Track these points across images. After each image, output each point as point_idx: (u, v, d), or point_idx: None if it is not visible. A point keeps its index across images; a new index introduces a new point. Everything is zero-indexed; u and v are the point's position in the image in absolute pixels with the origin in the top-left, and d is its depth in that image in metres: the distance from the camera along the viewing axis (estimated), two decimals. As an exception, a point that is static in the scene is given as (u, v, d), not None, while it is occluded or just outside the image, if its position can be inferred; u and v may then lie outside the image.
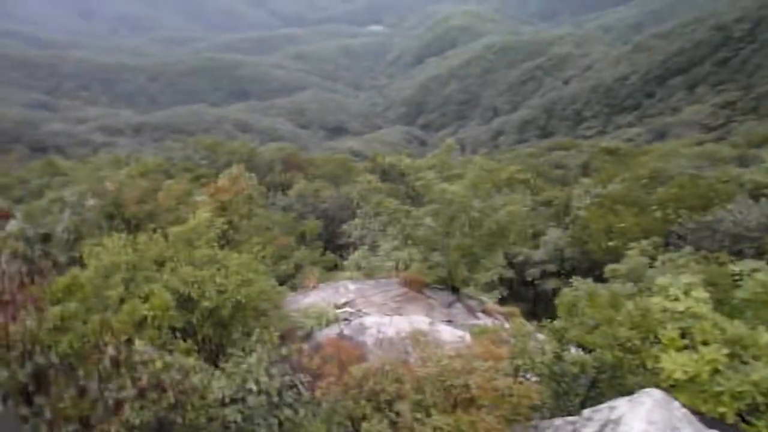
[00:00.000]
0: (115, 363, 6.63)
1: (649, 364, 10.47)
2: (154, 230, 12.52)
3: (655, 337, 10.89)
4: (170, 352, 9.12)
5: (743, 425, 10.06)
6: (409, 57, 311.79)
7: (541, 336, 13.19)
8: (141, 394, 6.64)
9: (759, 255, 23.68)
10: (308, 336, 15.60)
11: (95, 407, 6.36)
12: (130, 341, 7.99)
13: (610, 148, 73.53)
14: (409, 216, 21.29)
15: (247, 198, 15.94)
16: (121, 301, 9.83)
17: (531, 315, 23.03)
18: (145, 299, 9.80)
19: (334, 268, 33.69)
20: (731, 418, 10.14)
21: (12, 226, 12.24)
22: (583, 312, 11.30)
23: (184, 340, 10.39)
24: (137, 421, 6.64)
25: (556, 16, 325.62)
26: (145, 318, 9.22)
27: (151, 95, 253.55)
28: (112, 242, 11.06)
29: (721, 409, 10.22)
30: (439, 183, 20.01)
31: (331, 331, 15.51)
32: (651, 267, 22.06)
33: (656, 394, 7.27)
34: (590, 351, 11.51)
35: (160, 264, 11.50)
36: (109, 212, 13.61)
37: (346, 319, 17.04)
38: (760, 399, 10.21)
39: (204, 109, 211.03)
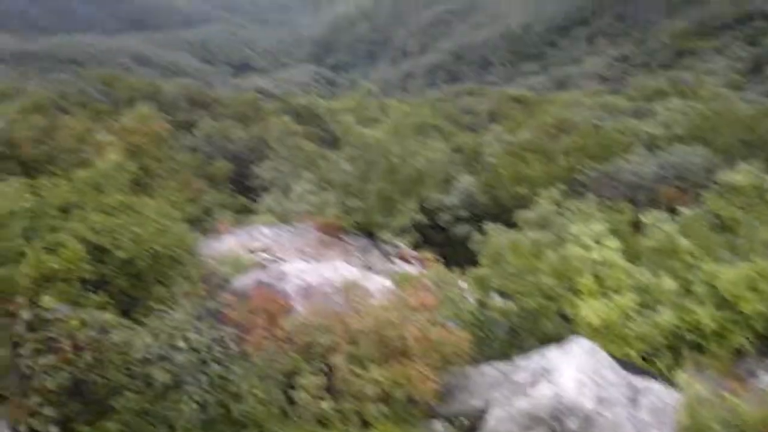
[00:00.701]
0: (30, 327, 6.03)
1: (568, 311, 10.94)
2: (56, 173, 11.46)
3: (573, 284, 11.37)
4: (82, 306, 8.49)
5: (644, 364, 10.82)
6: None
7: (461, 282, 13.45)
8: (62, 358, 6.11)
9: (651, 203, 25.17)
10: (225, 283, 15.11)
11: (7, 377, 5.78)
12: (36, 298, 7.33)
13: (516, 96, 75.33)
14: (326, 159, 20.93)
15: (160, 140, 14.92)
16: (22, 253, 8.94)
17: (442, 259, 23.48)
18: (52, 250, 8.97)
19: (245, 211, 32.79)
20: (636, 359, 10.87)
21: None
22: (506, 260, 11.57)
23: (95, 293, 9.69)
24: (54, 386, 6.13)
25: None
26: (53, 271, 8.45)
27: (33, 20, 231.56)
28: (7, 187, 10.00)
29: (628, 350, 10.92)
30: (358, 127, 19.71)
31: (249, 278, 15.06)
32: (558, 214, 22.86)
33: (584, 342, 7.55)
34: (510, 298, 11.87)
35: (65, 211, 10.57)
36: (1, 153, 12.30)
37: (263, 266, 16.62)
38: (661, 341, 10.98)
39: (95, 38, 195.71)
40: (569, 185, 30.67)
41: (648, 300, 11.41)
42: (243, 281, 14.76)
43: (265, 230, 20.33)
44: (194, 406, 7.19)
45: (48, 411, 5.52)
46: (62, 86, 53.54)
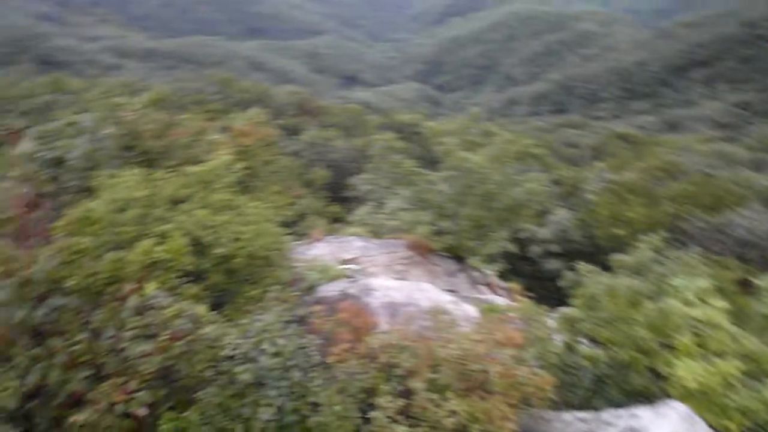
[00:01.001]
0: (136, 312, 6.37)
1: (661, 369, 10.29)
2: (171, 167, 12.11)
3: (670, 341, 10.69)
4: (180, 296, 8.86)
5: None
6: (433, 14, 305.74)
7: (548, 321, 12.99)
8: (159, 346, 6.40)
9: (765, 264, 23.49)
10: (311, 290, 15.37)
11: (109, 356, 6.12)
12: (142, 285, 7.71)
13: (623, 134, 72.71)
14: (423, 179, 20.98)
15: (268, 144, 15.49)
16: (132, 240, 9.47)
17: (528, 291, 22.91)
18: (159, 240, 9.46)
19: (337, 220, 33.40)
20: (736, 432, 10.02)
21: (24, 146, 11.82)
22: (600, 305, 11.07)
23: (192, 285, 10.09)
24: (148, 370, 6.41)
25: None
26: (158, 261, 8.90)
27: (164, 21, 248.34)
28: (129, 176, 10.67)
29: (726, 423, 10.09)
30: (460, 150, 19.66)
31: (335, 288, 15.24)
32: (658, 263, 21.74)
33: (680, 408, 7.07)
34: (600, 345, 11.32)
35: (175, 204, 11.13)
36: (125, 143, 13.16)
37: (350, 277, 16.78)
38: (767, 418, 10.07)
39: (217, 41, 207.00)
40: (672, 233, 29.15)
41: (755, 370, 10.54)
42: (329, 290, 14.96)
43: (357, 242, 20.56)
44: (272, 410, 7.30)
45: (144, 395, 5.78)
46: (182, 84, 56.84)
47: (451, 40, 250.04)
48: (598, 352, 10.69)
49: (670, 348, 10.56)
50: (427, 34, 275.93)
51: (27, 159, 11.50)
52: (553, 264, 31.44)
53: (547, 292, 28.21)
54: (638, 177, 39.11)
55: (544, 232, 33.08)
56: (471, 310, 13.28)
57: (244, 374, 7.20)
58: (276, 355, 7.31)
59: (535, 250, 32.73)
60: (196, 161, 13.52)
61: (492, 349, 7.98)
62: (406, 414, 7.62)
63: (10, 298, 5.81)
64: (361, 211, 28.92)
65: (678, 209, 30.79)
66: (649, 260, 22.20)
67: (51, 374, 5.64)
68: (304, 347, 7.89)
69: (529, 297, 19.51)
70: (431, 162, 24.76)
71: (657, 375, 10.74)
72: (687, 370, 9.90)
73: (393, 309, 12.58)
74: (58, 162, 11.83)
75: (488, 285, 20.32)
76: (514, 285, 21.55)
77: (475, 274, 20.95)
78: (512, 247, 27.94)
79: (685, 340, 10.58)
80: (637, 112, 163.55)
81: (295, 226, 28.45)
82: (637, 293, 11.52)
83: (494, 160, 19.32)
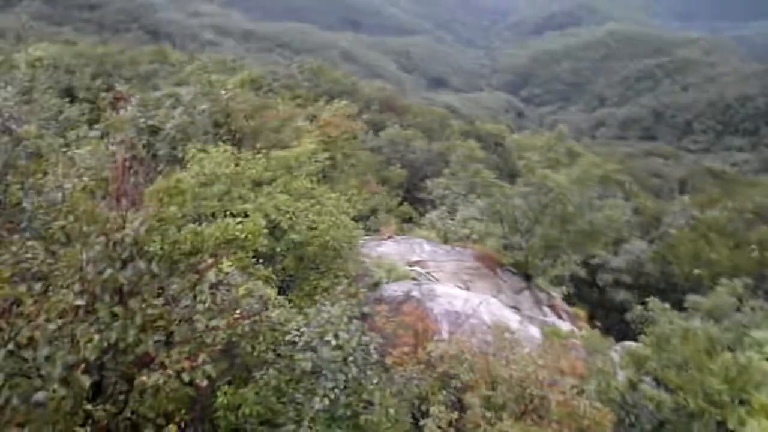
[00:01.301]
0: (211, 287, 6.57)
1: (732, 425, 9.74)
2: (258, 149, 12.43)
3: (745, 396, 10.11)
4: (251, 276, 9.08)
5: None
6: (530, 25, 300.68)
7: (613, 354, 12.57)
8: (227, 322, 6.57)
9: None
10: (375, 287, 15.42)
11: (181, 324, 6.34)
12: (217, 259, 7.93)
13: (714, 170, 69.41)
14: (500, 191, 20.65)
15: (352, 137, 15.68)
16: (213, 215, 9.80)
17: (592, 319, 22.28)
18: (238, 219, 9.73)
19: (408, 220, 33.38)
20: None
21: (127, 112, 12.41)
22: (672, 347, 10.59)
23: (264, 266, 10.33)
24: (214, 344, 6.60)
25: (693, 18, 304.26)
26: (235, 238, 9.16)
27: (264, 4, 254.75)
28: (218, 153, 11.02)
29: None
30: (542, 167, 19.25)
31: (400, 288, 15.25)
32: (738, 310, 20.66)
33: (750, 468, 6.65)
34: (667, 389, 10.85)
35: (257, 185, 11.43)
36: (218, 120, 13.61)
37: (415, 280, 16.74)
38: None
39: (313, 30, 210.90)
40: (757, 281, 27.62)
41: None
42: (394, 290, 14.98)
43: (425, 246, 20.48)
44: (326, 401, 7.36)
45: (209, 367, 5.95)
46: (275, 68, 58.28)
47: (544, 53, 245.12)
48: (663, 395, 10.24)
49: (745, 404, 9.99)
50: (521, 44, 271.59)
51: (128, 124, 12.07)
52: (621, 295, 30.50)
53: (612, 322, 27.32)
54: (726, 217, 37.26)
55: (617, 261, 32.08)
56: (534, 331, 13.00)
57: (304, 362, 7.31)
58: (338, 348, 7.37)
59: (605, 278, 31.82)
60: (283, 146, 13.83)
61: (554, 376, 7.78)
62: (456, 427, 7.55)
63: (101, 256, 6.13)
64: (433, 215, 28.81)
65: (766, 256, 29.20)
66: (728, 306, 21.13)
67: (128, 333, 5.91)
68: (366, 344, 7.92)
69: (594, 325, 18.96)
70: (509, 175, 24.37)
71: (725, 430, 10.18)
72: (760, 430, 9.34)
73: (455, 318, 12.49)
74: (155, 130, 12.37)
75: (552, 307, 19.82)
76: (578, 311, 21.00)
77: (541, 294, 20.49)
78: (582, 272, 27.19)
79: (763, 398, 9.98)
80: (733, 149, 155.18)
81: (366, 221, 28.64)
82: (714, 340, 10.96)
83: (576, 181, 18.78)
